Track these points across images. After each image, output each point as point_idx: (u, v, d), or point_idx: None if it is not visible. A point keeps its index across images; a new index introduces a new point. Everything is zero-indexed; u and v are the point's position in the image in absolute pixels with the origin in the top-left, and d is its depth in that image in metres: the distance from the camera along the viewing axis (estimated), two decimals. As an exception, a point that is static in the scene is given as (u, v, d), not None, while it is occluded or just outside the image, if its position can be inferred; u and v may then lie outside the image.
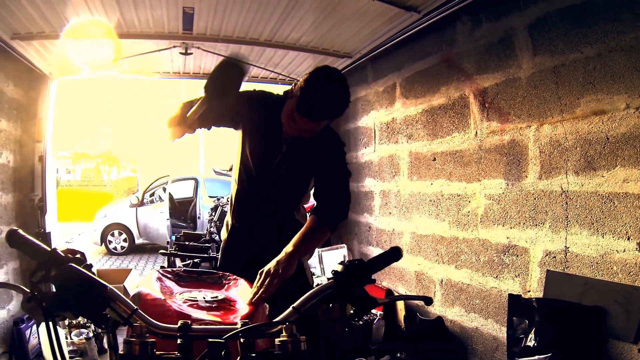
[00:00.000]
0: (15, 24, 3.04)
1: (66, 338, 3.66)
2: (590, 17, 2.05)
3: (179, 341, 0.90)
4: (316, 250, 4.32)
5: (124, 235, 9.46)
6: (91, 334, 3.63)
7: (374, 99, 4.02)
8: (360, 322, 3.34)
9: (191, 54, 3.81)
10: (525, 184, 2.45)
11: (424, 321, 3.14)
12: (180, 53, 3.79)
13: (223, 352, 0.87)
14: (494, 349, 2.69)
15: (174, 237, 4.35)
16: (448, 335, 3.06)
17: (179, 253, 3.12)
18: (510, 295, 2.43)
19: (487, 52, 2.66)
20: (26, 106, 3.95)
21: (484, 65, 2.70)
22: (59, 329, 3.64)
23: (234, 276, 1.61)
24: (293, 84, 1.71)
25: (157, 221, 9.12)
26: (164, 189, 9.84)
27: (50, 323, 0.90)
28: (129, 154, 21.85)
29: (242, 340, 0.91)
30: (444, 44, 3.03)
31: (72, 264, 0.89)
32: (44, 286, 0.92)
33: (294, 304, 1.05)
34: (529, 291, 2.42)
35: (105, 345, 3.72)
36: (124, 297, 0.95)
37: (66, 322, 3.96)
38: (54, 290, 0.88)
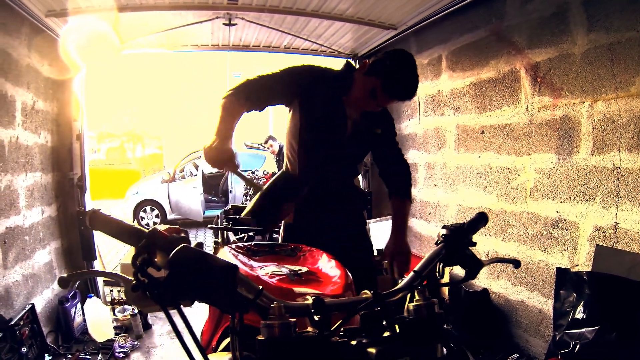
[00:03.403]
0: (51, 1, 3.09)
1: (110, 315, 3.84)
2: (648, -4, 2.12)
3: (316, 318, 0.86)
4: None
5: (156, 211, 9.84)
6: (136, 310, 3.76)
7: (418, 71, 4.09)
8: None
9: (235, 24, 3.86)
10: (577, 159, 2.57)
11: (469, 293, 3.31)
12: (224, 24, 3.83)
13: (385, 322, 0.87)
14: (538, 322, 2.87)
15: (222, 211, 4.62)
16: (492, 307, 3.24)
17: (232, 227, 3.26)
18: (558, 268, 2.55)
19: (540, 27, 2.74)
20: (61, 85, 4.00)
21: (536, 40, 2.78)
22: (103, 306, 3.82)
23: (308, 247, 1.64)
24: (365, 61, 1.91)
25: (189, 196, 9.42)
26: (196, 165, 10.14)
27: (175, 311, 0.82)
28: (153, 131, 22.27)
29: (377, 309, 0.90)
30: (494, 17, 3.10)
31: (187, 245, 0.80)
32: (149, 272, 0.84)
33: (415, 268, 1.08)
34: (577, 265, 2.57)
35: (149, 323, 3.96)
36: (247, 277, 0.88)
37: (108, 298, 4.16)
38: (164, 275, 0.80)
